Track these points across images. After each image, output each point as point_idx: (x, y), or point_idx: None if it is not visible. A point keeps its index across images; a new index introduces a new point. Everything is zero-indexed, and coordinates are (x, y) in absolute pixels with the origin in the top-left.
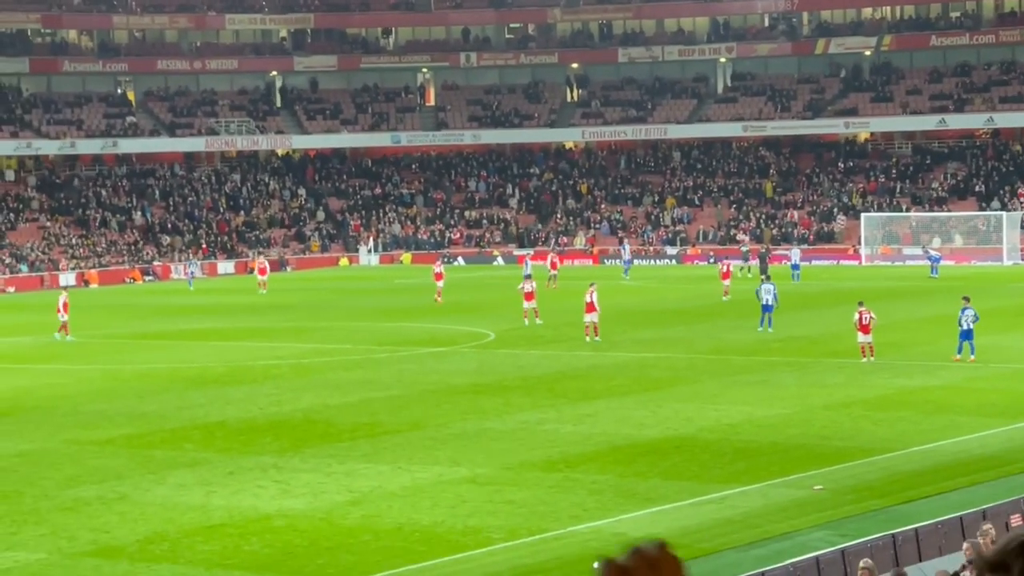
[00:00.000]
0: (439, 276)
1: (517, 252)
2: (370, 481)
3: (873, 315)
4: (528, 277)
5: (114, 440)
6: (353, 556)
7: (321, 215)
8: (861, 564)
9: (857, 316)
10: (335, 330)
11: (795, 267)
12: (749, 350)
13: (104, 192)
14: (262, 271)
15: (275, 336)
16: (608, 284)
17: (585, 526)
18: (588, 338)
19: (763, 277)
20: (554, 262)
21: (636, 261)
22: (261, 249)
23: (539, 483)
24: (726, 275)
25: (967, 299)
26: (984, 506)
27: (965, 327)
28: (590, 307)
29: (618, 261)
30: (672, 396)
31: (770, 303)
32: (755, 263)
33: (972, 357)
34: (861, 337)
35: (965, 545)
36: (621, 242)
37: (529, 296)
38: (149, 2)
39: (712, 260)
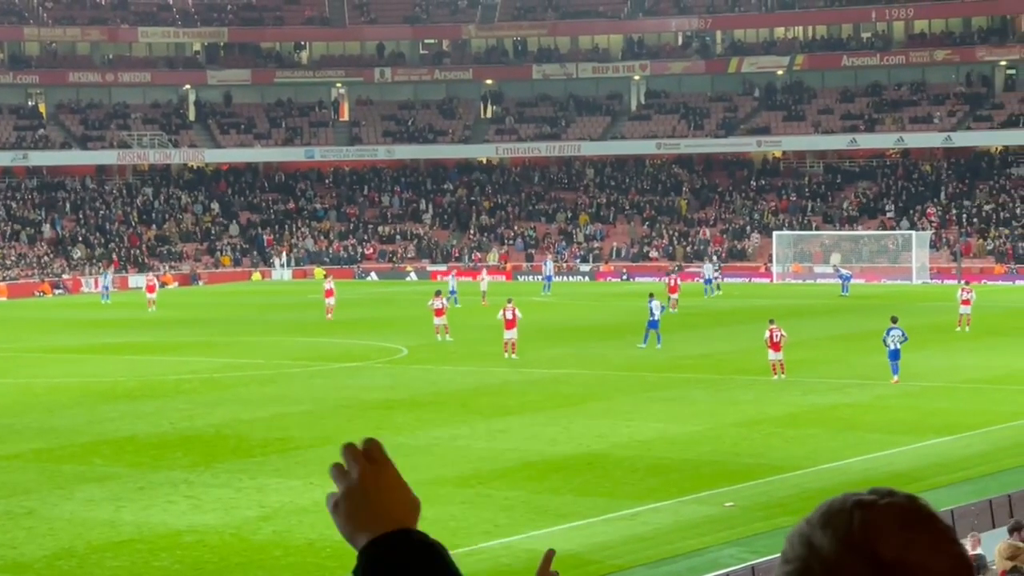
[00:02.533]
0: (329, 293)
1: (430, 268)
2: (281, 496)
3: (784, 333)
4: (438, 293)
5: (22, 455)
6: (264, 572)
7: (234, 229)
8: None
9: (768, 334)
10: (247, 345)
11: (708, 281)
12: (662, 367)
13: (14, 204)
14: (150, 288)
15: (187, 351)
16: (523, 300)
17: (497, 542)
18: (507, 355)
19: (651, 294)
20: (483, 279)
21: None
22: (156, 265)
23: (451, 499)
24: (674, 289)
25: (895, 319)
26: None
27: (892, 347)
28: (510, 324)
29: (538, 277)
30: (585, 412)
31: (656, 318)
32: (719, 279)
33: (895, 378)
34: (772, 355)
35: None
36: (544, 258)
37: (439, 312)
38: (61, 14)
39: (625, 277)
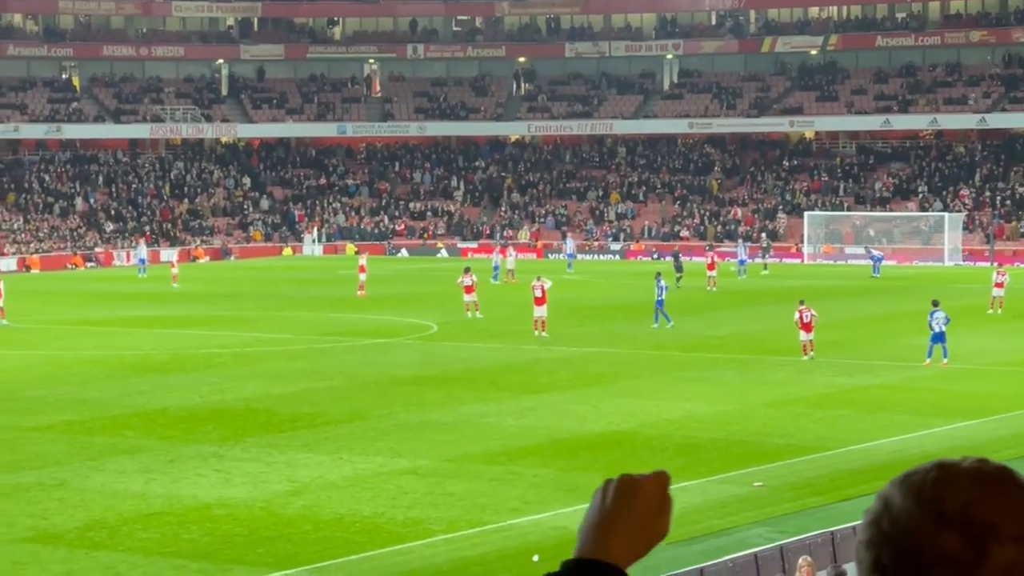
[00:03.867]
0: (362, 269)
1: (461, 245)
2: (311, 471)
3: (815, 313)
4: (467, 270)
5: (54, 426)
6: (293, 546)
7: (265, 204)
8: (800, 561)
9: (798, 315)
10: (278, 320)
11: (742, 262)
12: (691, 346)
13: (47, 177)
14: (173, 264)
15: (218, 325)
16: (552, 278)
17: (525, 519)
18: (537, 333)
19: (658, 273)
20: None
21: (580, 256)
22: (188, 239)
23: (480, 476)
24: (712, 266)
25: (936, 303)
26: None
27: (937, 330)
28: (539, 301)
29: (561, 255)
30: (614, 391)
31: (662, 298)
32: (771, 260)
33: (945, 361)
34: (803, 335)
35: None
36: (564, 236)
37: (469, 289)
38: None
39: (655, 256)
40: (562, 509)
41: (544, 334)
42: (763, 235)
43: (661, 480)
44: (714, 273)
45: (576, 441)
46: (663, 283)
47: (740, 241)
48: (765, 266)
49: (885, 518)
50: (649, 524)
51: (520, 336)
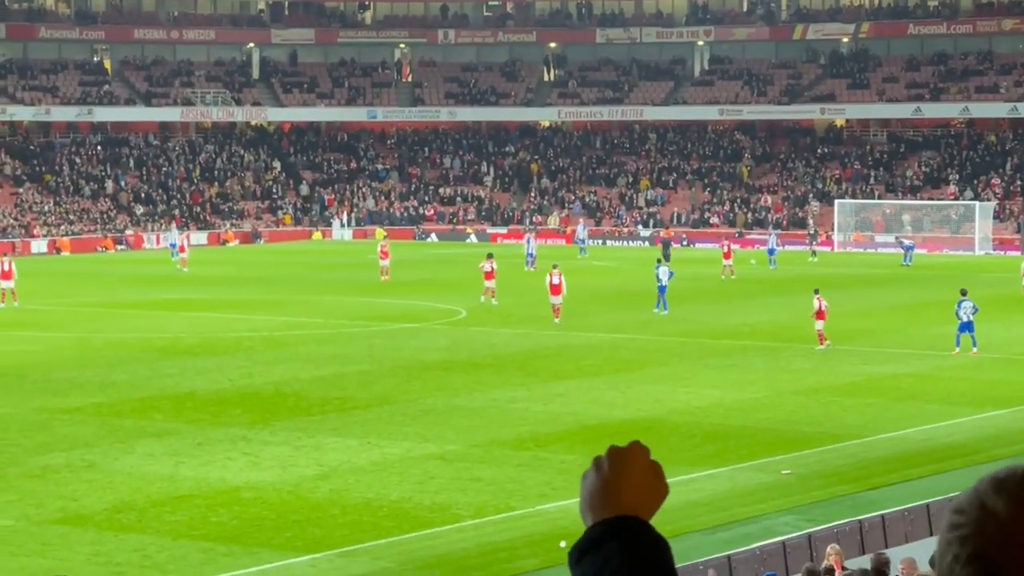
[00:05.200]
0: (384, 254)
1: (490, 230)
2: (339, 455)
3: (826, 303)
4: (490, 256)
5: (83, 408)
6: (321, 530)
7: (295, 188)
8: (828, 549)
9: (817, 304)
10: (307, 304)
11: (771, 252)
12: (720, 333)
13: (78, 160)
14: (182, 249)
15: (247, 308)
16: (581, 264)
17: (553, 505)
18: (558, 319)
19: (659, 260)
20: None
21: (609, 242)
22: (218, 223)
23: (508, 461)
24: (727, 255)
25: (964, 292)
26: (950, 494)
27: (965, 319)
28: (555, 289)
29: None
30: (642, 377)
31: (664, 283)
32: (821, 248)
33: (974, 350)
34: (819, 324)
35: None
36: (578, 222)
37: (489, 275)
38: None
39: (685, 242)
40: None
41: (557, 320)
42: (810, 221)
43: (643, 448)
44: (730, 262)
45: (604, 427)
46: (663, 269)
47: (771, 229)
48: (813, 252)
49: (990, 524)
50: (650, 484)
51: (547, 322)
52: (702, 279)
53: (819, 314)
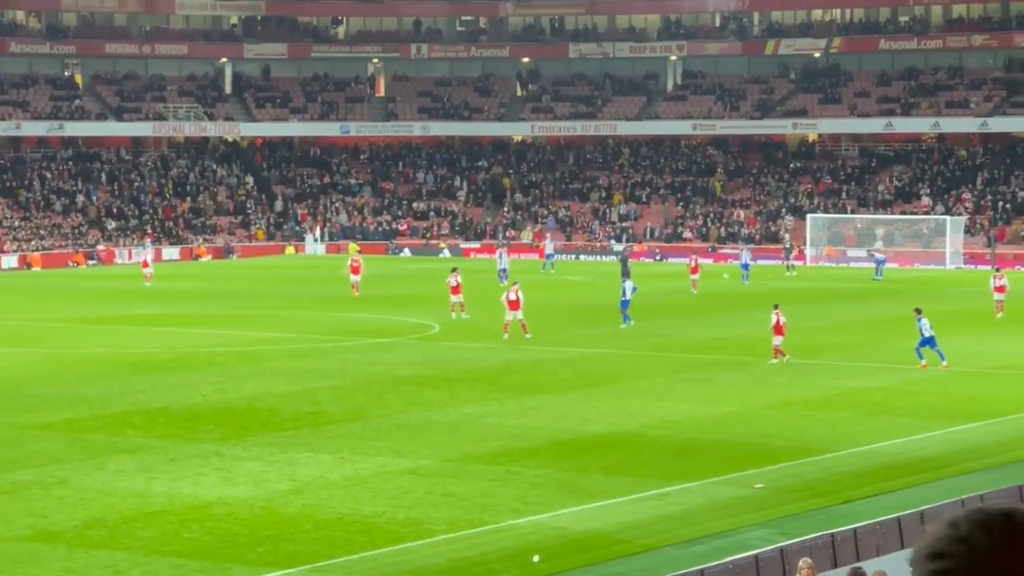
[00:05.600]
0: (356, 269)
1: (463, 245)
2: (312, 470)
3: (785, 320)
4: (455, 271)
5: (54, 424)
6: (293, 545)
7: (268, 203)
8: (801, 563)
9: (775, 319)
10: (280, 318)
11: (744, 267)
12: (694, 348)
13: (49, 175)
14: (145, 264)
15: (220, 323)
16: (554, 279)
17: (526, 519)
18: (526, 334)
19: (626, 273)
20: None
21: (582, 257)
22: (190, 238)
23: (481, 476)
24: (695, 270)
25: (919, 311)
26: (922, 507)
27: (927, 334)
28: (514, 304)
29: (543, 256)
30: (616, 392)
31: (627, 298)
32: (797, 262)
33: (944, 363)
34: (777, 339)
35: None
36: (537, 237)
37: (455, 290)
38: None
39: (658, 257)
40: (562, 510)
41: (527, 335)
42: (786, 236)
43: None
44: (697, 276)
45: (577, 442)
46: (628, 284)
47: (743, 244)
48: (790, 267)
49: (980, 560)
50: None
51: (521, 337)
52: (675, 293)
53: (777, 329)
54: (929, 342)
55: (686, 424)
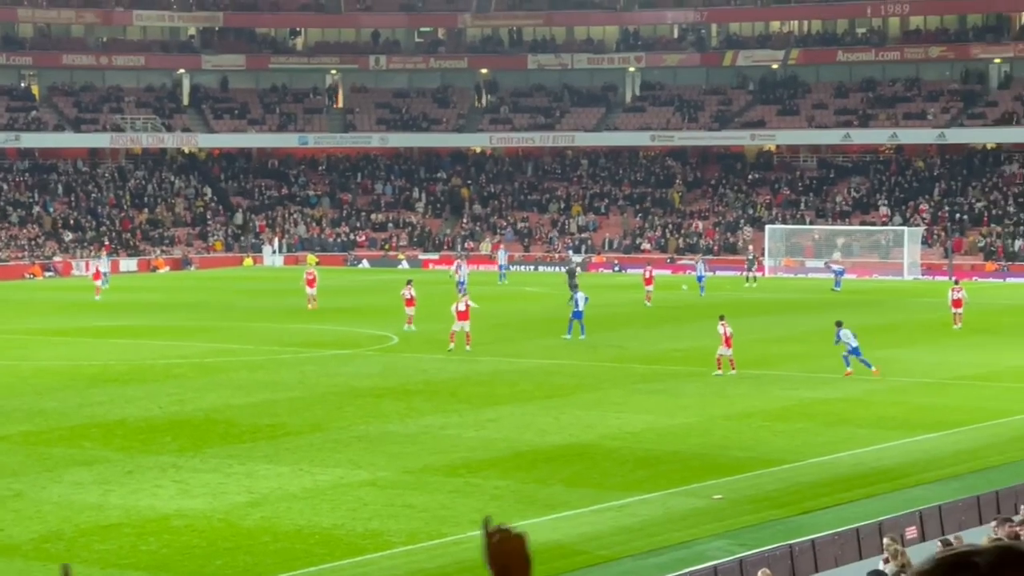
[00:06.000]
0: (311, 282)
1: (422, 256)
2: (270, 482)
3: (732, 330)
4: (410, 283)
5: (11, 437)
6: (252, 557)
7: (226, 214)
8: (759, 574)
9: (721, 330)
10: (238, 330)
11: (700, 278)
12: (652, 359)
13: (5, 186)
14: (96, 276)
15: (178, 335)
16: (512, 290)
17: None
18: (451, 345)
19: (574, 286)
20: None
21: (541, 268)
22: (148, 249)
23: (440, 488)
24: (649, 281)
25: (840, 323)
26: (880, 518)
27: (852, 345)
28: (462, 315)
29: (496, 267)
30: (575, 403)
31: (580, 308)
32: (758, 274)
33: (875, 369)
34: (723, 350)
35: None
36: (497, 248)
37: (409, 303)
38: None
39: (617, 268)
40: (522, 521)
41: (467, 347)
42: (750, 248)
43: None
44: (651, 288)
45: (536, 453)
46: (580, 295)
47: (699, 257)
48: (750, 279)
49: None
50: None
51: (481, 348)
52: (633, 304)
53: (726, 341)
54: (855, 352)
55: (645, 435)
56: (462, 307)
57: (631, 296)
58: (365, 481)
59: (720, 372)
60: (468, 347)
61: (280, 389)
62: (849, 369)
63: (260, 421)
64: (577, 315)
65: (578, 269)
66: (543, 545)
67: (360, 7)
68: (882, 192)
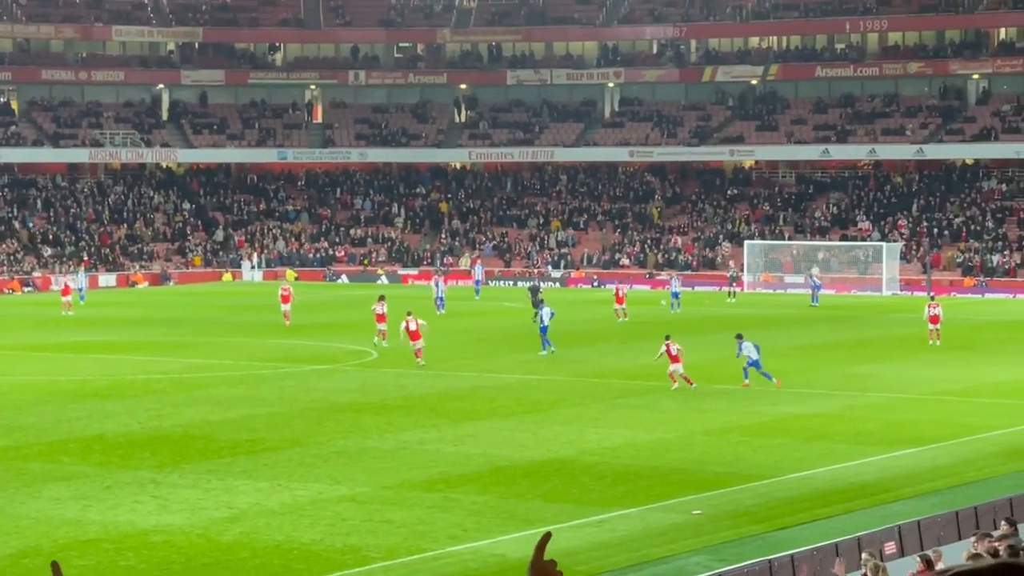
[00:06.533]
0: (286, 298)
1: (401, 271)
2: (249, 498)
3: (680, 347)
4: (382, 299)
5: None
6: (230, 573)
7: (205, 230)
8: None
9: (664, 348)
10: (217, 345)
11: (675, 295)
12: (631, 374)
13: None
14: (65, 291)
15: (156, 350)
16: (491, 306)
17: (464, 547)
18: (420, 361)
19: (539, 303)
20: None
21: (520, 283)
22: (127, 264)
23: (419, 503)
24: (620, 300)
25: (741, 336)
26: (859, 533)
27: (754, 357)
28: (414, 335)
29: (470, 283)
30: (554, 418)
31: (546, 323)
32: (737, 290)
33: (776, 380)
34: (674, 367)
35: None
36: (474, 263)
37: (380, 318)
38: (34, 11)
39: (596, 284)
40: (501, 537)
41: (421, 361)
42: (731, 264)
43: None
44: (623, 306)
45: (515, 468)
46: (546, 310)
47: (675, 273)
48: (732, 294)
49: None
50: None
51: (459, 364)
52: (611, 320)
53: (673, 358)
54: (754, 364)
55: (624, 451)
56: (412, 326)
57: (609, 311)
58: (344, 496)
59: (676, 385)
60: (421, 360)
61: (259, 404)
62: (747, 381)
63: (239, 436)
64: (543, 330)
65: (540, 285)
66: (522, 561)
67: (339, 23)
68: (861, 208)
